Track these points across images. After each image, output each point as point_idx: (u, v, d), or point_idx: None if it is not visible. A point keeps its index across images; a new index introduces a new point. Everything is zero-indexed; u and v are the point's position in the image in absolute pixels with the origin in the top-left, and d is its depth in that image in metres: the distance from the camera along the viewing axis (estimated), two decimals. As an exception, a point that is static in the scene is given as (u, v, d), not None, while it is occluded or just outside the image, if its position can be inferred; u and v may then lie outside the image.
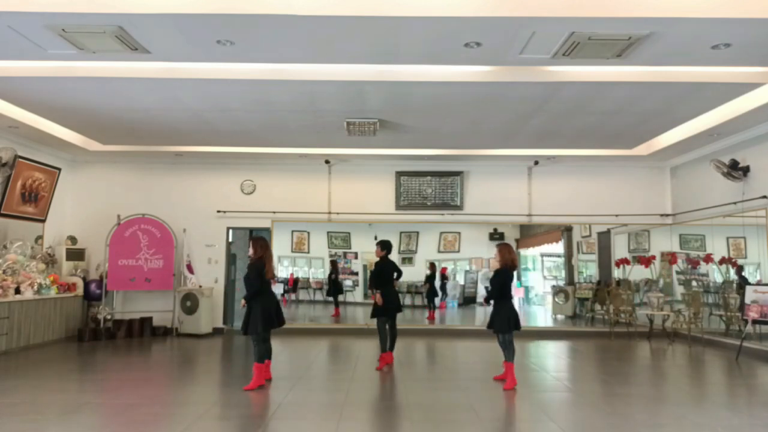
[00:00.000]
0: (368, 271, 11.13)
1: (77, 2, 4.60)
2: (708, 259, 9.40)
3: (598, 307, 10.73)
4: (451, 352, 8.33)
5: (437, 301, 11.45)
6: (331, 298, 11.32)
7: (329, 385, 6.02)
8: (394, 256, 10.81)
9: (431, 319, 10.97)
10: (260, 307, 5.83)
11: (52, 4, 4.59)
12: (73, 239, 10.07)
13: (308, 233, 11.14)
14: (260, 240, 6.07)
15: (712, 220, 9.22)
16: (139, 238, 9.98)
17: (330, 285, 11.35)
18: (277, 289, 10.60)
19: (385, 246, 7.16)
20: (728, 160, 8.44)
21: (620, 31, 4.91)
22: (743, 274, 8.64)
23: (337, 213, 10.54)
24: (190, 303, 9.79)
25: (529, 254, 12.03)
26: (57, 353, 7.93)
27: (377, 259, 7.18)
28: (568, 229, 11.08)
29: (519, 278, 12.00)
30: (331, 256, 11.28)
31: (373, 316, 7.06)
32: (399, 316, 7.21)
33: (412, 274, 11.30)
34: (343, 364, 7.26)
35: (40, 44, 5.24)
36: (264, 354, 5.89)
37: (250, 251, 6.02)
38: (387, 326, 7.04)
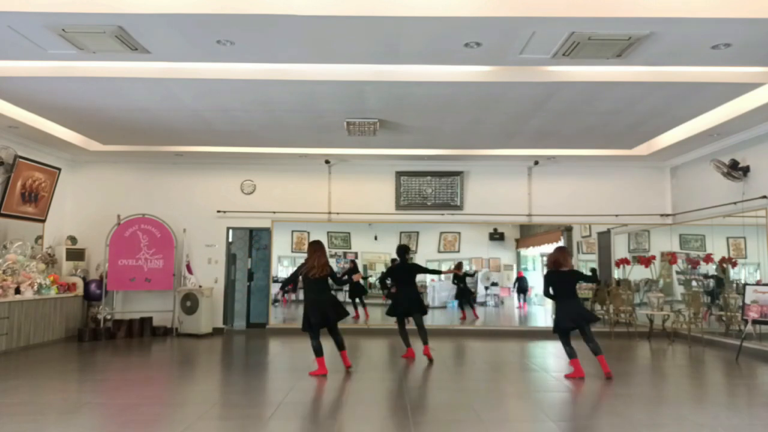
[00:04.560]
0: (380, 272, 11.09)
1: (77, 2, 4.59)
2: (708, 259, 9.40)
3: (598, 307, 10.72)
4: (452, 352, 8.32)
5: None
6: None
7: (330, 385, 6.01)
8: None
9: (474, 317, 10.95)
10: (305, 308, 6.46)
11: (52, 4, 4.59)
12: (73, 239, 10.06)
13: (308, 233, 11.13)
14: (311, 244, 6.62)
15: (712, 220, 9.22)
16: (139, 238, 9.98)
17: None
18: (274, 288, 10.46)
19: (397, 252, 7.74)
20: (728, 160, 8.44)
21: (620, 31, 4.91)
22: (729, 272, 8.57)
23: (337, 213, 10.54)
24: (190, 303, 9.79)
25: (529, 254, 12.02)
26: (57, 353, 7.93)
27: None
28: (568, 229, 11.07)
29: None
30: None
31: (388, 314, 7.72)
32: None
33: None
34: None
35: (40, 44, 5.24)
36: (314, 349, 6.43)
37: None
38: (403, 324, 7.58)
